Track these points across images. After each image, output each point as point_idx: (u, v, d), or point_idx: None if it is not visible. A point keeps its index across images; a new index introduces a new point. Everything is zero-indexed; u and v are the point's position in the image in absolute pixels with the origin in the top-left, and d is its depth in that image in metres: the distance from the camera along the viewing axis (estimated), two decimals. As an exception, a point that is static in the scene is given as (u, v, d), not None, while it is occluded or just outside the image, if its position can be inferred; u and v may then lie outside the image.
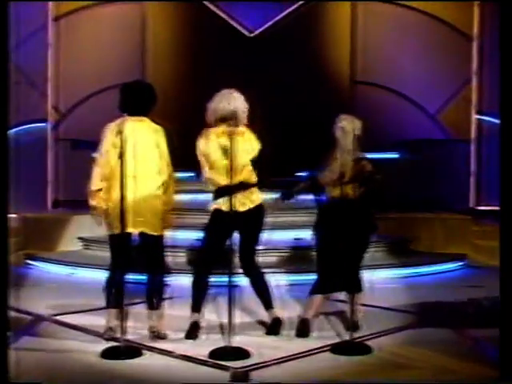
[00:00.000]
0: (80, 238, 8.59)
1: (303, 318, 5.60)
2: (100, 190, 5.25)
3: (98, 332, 5.46)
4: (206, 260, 5.55)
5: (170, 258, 7.50)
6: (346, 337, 5.26)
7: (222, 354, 4.98)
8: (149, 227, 5.26)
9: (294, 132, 9.39)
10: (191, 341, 5.37)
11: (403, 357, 5.02)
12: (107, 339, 5.26)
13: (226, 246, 5.47)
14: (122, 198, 5.01)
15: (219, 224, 5.43)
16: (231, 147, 5.10)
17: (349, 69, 10.12)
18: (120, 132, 5.04)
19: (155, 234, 5.31)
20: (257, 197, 5.48)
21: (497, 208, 4.78)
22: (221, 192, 5.30)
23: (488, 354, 4.99)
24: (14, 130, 9.29)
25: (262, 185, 5.55)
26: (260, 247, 5.69)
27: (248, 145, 5.40)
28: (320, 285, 5.64)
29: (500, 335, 4.38)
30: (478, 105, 10.07)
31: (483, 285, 7.06)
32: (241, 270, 5.61)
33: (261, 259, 7.49)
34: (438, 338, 5.45)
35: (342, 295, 5.92)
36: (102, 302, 5.49)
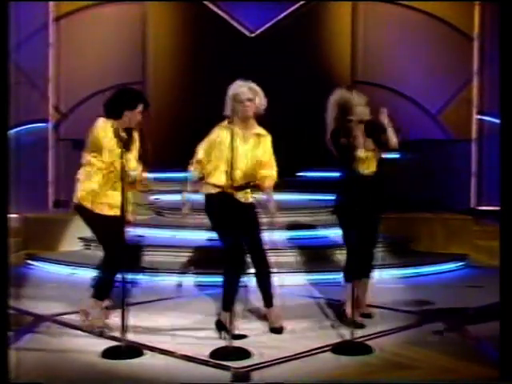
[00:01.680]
0: (81, 238, 8.59)
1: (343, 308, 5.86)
2: None
3: (98, 332, 5.48)
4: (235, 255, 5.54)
5: (172, 258, 7.60)
6: (347, 337, 5.26)
7: (223, 354, 4.99)
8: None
9: (294, 132, 9.39)
10: (192, 341, 5.37)
11: (404, 357, 5.02)
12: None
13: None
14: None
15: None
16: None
17: (349, 69, 10.12)
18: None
19: None
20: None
21: (497, 208, 4.78)
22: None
23: (488, 354, 4.99)
24: (15, 129, 9.30)
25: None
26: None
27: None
28: (349, 271, 5.82)
29: (500, 335, 4.38)
30: (478, 105, 10.06)
31: (484, 285, 7.06)
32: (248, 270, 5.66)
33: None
34: (439, 337, 5.45)
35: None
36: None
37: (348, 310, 5.74)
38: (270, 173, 5.59)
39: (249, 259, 5.63)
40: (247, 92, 5.52)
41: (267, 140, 5.65)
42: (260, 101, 5.55)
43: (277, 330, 5.58)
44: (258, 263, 5.59)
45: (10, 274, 4.29)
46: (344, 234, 5.91)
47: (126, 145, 5.34)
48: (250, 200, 5.58)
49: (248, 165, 5.50)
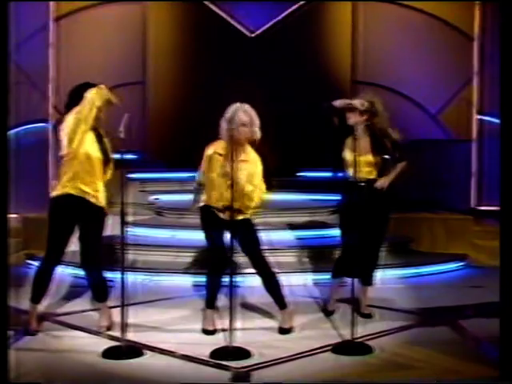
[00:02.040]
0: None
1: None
2: None
3: (98, 332, 5.48)
4: (215, 257, 5.60)
5: (172, 258, 7.60)
6: (348, 337, 5.26)
7: (223, 354, 4.99)
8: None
9: (294, 132, 9.39)
10: (192, 341, 5.37)
11: (404, 357, 5.02)
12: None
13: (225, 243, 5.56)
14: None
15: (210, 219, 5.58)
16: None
17: (350, 69, 10.12)
18: None
19: None
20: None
21: (497, 208, 4.78)
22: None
23: (488, 354, 4.99)
24: (15, 130, 9.30)
25: (269, 186, 5.64)
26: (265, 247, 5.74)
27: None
28: (336, 267, 6.05)
29: (500, 335, 4.38)
30: (478, 105, 10.07)
31: (484, 285, 7.06)
32: (248, 270, 5.66)
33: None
34: (439, 338, 5.45)
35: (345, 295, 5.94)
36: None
37: (330, 306, 6.08)
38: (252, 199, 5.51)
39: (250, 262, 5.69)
40: (242, 116, 5.43)
41: (254, 165, 5.55)
42: (254, 126, 5.47)
43: (284, 331, 5.59)
44: (260, 270, 5.62)
45: (9, 274, 4.29)
46: (342, 234, 5.94)
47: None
48: (239, 218, 5.50)
49: (230, 189, 5.28)
